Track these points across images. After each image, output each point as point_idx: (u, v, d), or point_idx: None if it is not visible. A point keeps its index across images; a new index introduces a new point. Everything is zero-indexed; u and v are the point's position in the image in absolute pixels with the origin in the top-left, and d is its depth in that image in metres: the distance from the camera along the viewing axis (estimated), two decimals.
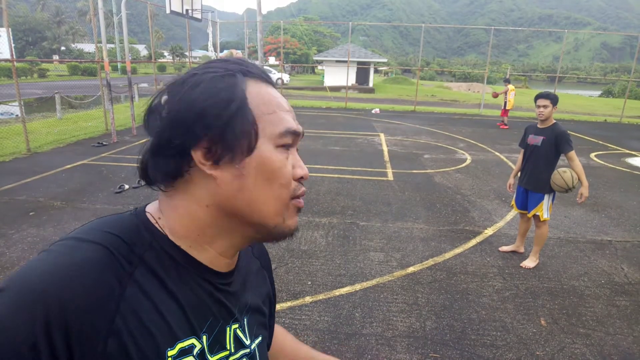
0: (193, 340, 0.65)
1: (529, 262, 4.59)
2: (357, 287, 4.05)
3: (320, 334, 3.31)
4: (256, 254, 0.88)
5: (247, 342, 0.75)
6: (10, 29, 9.04)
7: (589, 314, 3.75)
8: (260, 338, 0.80)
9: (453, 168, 8.89)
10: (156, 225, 0.66)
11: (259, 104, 0.66)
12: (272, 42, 55.18)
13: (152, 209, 0.69)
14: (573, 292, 4.11)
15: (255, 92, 0.66)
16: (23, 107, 9.22)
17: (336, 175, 7.91)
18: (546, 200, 4.46)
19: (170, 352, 0.61)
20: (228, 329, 0.71)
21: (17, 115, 12.99)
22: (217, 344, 0.69)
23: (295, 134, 0.69)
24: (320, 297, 3.85)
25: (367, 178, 7.83)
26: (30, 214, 5.62)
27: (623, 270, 4.61)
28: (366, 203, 6.45)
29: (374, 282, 4.15)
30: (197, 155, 0.63)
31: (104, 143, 10.15)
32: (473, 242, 5.21)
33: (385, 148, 10.78)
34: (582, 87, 71.68)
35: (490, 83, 39.96)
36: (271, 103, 0.67)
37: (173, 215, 0.66)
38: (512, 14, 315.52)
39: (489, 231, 5.57)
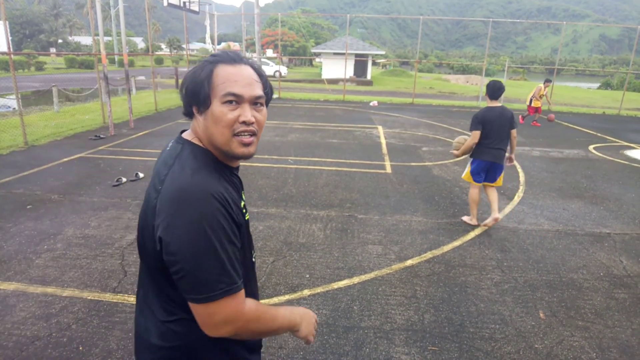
0: (242, 202, 1.28)
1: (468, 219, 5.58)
2: (356, 280, 4.04)
3: (318, 327, 3.30)
4: None
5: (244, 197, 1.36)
6: (7, 22, 8.96)
7: (588, 306, 3.74)
8: None
9: (451, 161, 8.87)
10: (202, 146, 1.23)
11: (217, 80, 1.16)
12: (269, 34, 54.89)
13: (190, 137, 1.25)
14: (572, 284, 4.11)
15: (219, 73, 1.17)
16: (20, 100, 9.15)
17: (334, 168, 7.88)
18: (467, 165, 5.59)
19: (242, 204, 1.26)
20: (242, 195, 1.33)
21: (14, 109, 12.94)
22: (244, 205, 1.30)
23: (234, 95, 1.16)
24: (319, 290, 3.84)
25: (365, 171, 7.81)
26: (28, 207, 5.59)
27: (622, 263, 4.61)
28: (364, 196, 6.43)
29: (372, 275, 4.14)
30: (194, 109, 1.22)
31: (102, 136, 10.09)
32: (471, 234, 5.20)
33: (383, 141, 10.75)
34: (580, 79, 71.59)
35: (488, 75, 39.84)
36: (223, 77, 1.16)
37: (202, 137, 1.23)
38: (511, 6, 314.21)
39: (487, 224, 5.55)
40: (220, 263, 1.07)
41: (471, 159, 5.42)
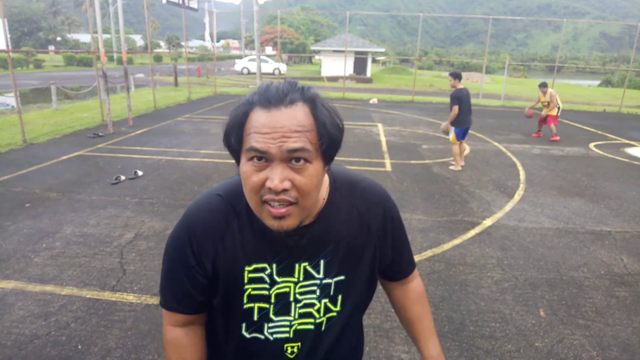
0: (264, 265, 0.99)
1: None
2: None
3: None
4: (362, 210, 1.10)
5: (318, 276, 1.03)
6: (5, 20, 8.93)
7: (588, 305, 3.73)
8: (342, 277, 1.06)
9: (451, 158, 8.85)
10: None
11: (249, 127, 0.86)
12: (269, 31, 54.77)
13: None
14: (572, 283, 4.10)
15: (252, 118, 0.86)
16: (19, 98, 9.13)
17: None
18: (451, 132, 7.82)
19: (252, 267, 1.00)
20: (297, 264, 1.01)
21: (12, 106, 12.92)
22: (284, 272, 1.01)
23: (255, 151, 0.84)
24: None
25: (365, 169, 7.79)
26: (26, 205, 5.57)
27: (622, 261, 4.59)
28: None
29: None
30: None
31: (100, 134, 10.07)
32: (472, 233, 5.19)
33: (383, 138, 10.73)
34: (581, 76, 71.41)
35: (488, 73, 39.82)
36: (252, 126, 0.86)
37: None
38: (511, 3, 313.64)
39: (487, 222, 5.55)
40: (164, 281, 1.07)
41: (454, 128, 7.72)
